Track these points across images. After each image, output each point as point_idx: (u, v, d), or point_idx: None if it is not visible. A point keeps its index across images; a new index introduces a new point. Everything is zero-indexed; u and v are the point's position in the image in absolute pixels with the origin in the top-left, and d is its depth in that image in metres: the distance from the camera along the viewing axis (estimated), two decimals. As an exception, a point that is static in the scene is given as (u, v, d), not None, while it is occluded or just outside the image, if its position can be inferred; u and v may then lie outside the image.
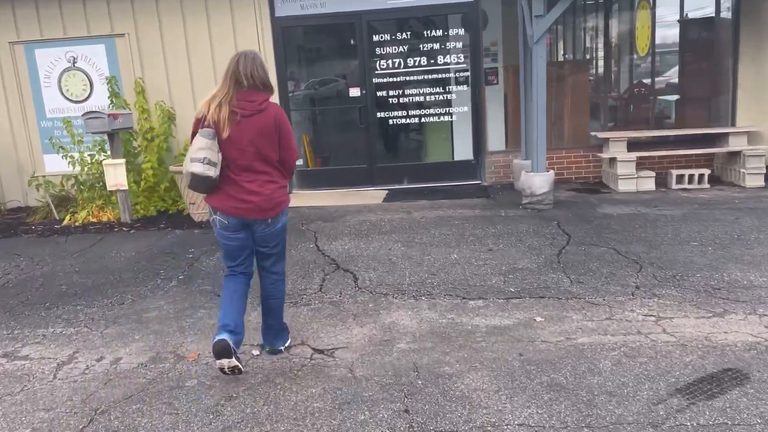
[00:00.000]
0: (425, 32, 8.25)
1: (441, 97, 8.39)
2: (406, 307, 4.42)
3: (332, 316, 4.36)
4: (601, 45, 9.04)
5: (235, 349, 3.38)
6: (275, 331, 3.84)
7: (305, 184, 8.54)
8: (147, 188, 7.79)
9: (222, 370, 3.40)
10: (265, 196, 3.44)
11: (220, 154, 3.38)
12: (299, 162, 8.65)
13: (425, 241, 5.85)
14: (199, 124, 3.44)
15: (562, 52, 9.63)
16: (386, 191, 8.30)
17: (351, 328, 4.15)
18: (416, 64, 8.28)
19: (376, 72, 8.31)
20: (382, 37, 8.25)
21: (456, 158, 8.60)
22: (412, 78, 8.36)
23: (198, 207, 6.98)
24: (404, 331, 4.03)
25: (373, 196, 8.07)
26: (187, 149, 3.53)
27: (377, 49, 8.28)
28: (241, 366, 3.39)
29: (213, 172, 3.34)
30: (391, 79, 8.33)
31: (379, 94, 8.39)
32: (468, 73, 8.31)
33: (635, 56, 8.70)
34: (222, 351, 3.34)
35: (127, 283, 5.36)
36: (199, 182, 3.40)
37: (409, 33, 8.26)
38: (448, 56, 8.28)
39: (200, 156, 3.32)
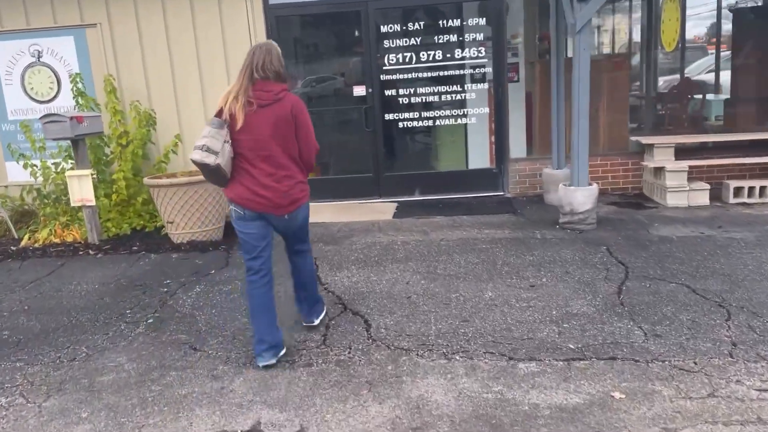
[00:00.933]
0: (441, 22, 7.22)
1: (458, 97, 7.37)
2: (436, 371, 3.40)
3: (340, 384, 3.33)
4: (634, 38, 8.04)
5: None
6: (309, 303, 3.95)
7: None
8: (120, 202, 6.75)
9: None
10: (280, 193, 3.43)
11: (227, 145, 3.36)
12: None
13: (450, 273, 4.83)
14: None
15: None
16: (396, 204, 7.27)
17: (366, 405, 3.13)
18: (430, 58, 7.25)
19: (384, 68, 7.28)
20: (391, 28, 7.22)
21: (474, 166, 7.58)
22: (425, 75, 7.33)
23: (177, 227, 5.94)
24: (439, 413, 3.01)
25: (381, 210, 7.05)
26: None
27: (385, 42, 7.25)
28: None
29: (212, 159, 3.30)
30: (401, 77, 7.30)
31: (387, 93, 7.37)
32: (489, 69, 7.28)
33: (675, 50, 7.69)
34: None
35: (83, 328, 4.32)
36: (202, 170, 3.41)
37: (422, 23, 7.23)
38: (466, 50, 7.25)
39: (200, 143, 3.31)
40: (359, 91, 7.34)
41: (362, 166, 7.67)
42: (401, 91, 7.36)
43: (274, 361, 3.53)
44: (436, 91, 7.35)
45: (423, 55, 7.24)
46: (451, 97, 7.36)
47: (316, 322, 3.99)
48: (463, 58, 7.26)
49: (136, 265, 5.60)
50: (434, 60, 7.24)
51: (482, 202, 7.13)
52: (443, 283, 4.61)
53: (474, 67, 7.29)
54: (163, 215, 6.00)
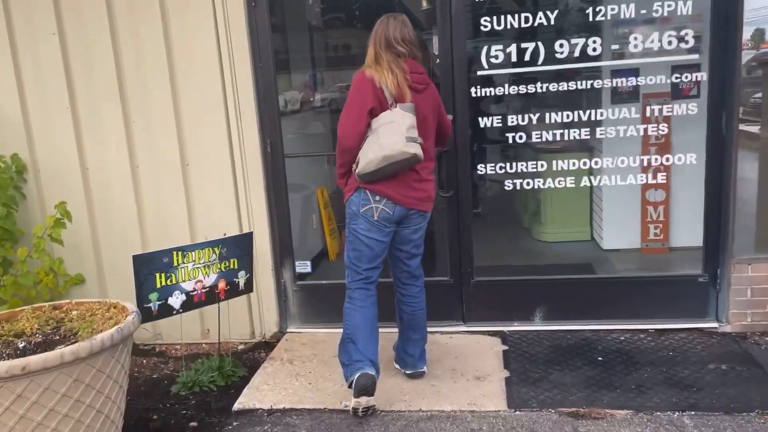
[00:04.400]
0: (599, -19, 3.57)
1: (632, 132, 3.69)
2: None
3: None
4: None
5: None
6: (420, 347, 3.22)
7: (313, 312, 3.92)
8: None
9: (356, 411, 2.86)
10: (426, 182, 3.03)
11: None
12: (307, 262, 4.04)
13: None
14: (372, 92, 2.81)
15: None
16: (501, 345, 3.59)
17: None
18: (577, 55, 3.60)
19: (480, 74, 3.66)
20: (495, -6, 3.61)
21: (653, 268, 3.89)
22: (563, 87, 3.68)
23: None
24: None
25: (473, 364, 3.36)
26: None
27: (484, 21, 3.62)
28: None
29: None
30: (513, 90, 3.67)
31: (482, 122, 3.75)
32: (701, 76, 3.59)
33: None
34: (365, 387, 2.82)
35: None
36: (402, 165, 2.85)
37: (559, -17, 3.61)
38: (651, 37, 3.57)
39: (413, 135, 2.83)
40: (429, 118, 3.71)
41: (430, 262, 4.02)
42: (513, 119, 3.72)
43: (370, 370, 2.86)
44: (586, 119, 3.68)
45: (562, 47, 3.58)
46: (617, 131, 3.69)
47: (424, 368, 3.23)
48: (644, 53, 3.59)
49: None
50: (587, 58, 3.58)
51: (686, 347, 3.40)
52: None
53: (672, 73, 3.62)
54: None
